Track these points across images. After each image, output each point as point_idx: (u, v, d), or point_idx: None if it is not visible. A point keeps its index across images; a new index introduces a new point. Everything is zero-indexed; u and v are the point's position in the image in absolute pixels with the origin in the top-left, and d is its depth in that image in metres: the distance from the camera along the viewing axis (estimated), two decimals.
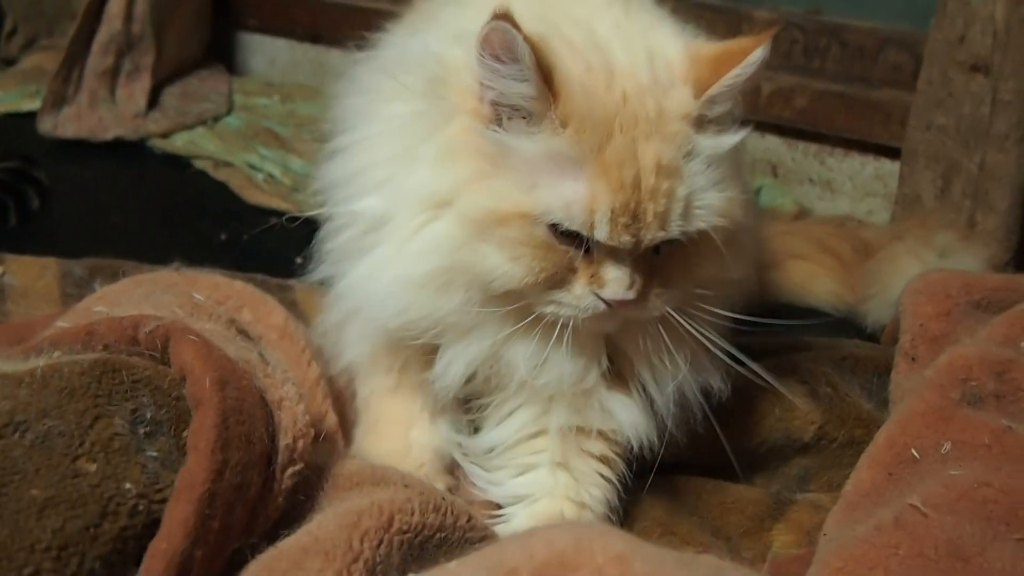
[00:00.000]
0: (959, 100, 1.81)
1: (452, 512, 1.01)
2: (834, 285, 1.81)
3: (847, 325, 1.75)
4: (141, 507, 0.85)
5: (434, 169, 1.08)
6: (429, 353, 1.19)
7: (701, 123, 1.07)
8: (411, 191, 1.09)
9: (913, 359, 1.31)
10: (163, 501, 0.86)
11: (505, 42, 0.98)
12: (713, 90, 1.06)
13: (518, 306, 1.08)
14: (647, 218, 1.03)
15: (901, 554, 0.96)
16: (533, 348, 1.12)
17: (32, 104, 2.51)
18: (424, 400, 1.26)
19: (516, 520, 1.20)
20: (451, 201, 1.06)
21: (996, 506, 0.99)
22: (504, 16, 0.97)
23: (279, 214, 2.04)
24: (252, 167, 2.33)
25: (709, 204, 1.07)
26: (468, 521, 1.03)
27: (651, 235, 1.04)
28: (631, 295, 1.05)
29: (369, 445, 1.27)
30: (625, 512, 1.25)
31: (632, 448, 1.20)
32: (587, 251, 1.05)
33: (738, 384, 1.26)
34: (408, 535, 0.96)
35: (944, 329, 1.32)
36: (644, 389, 1.19)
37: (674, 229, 1.05)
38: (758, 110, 2.16)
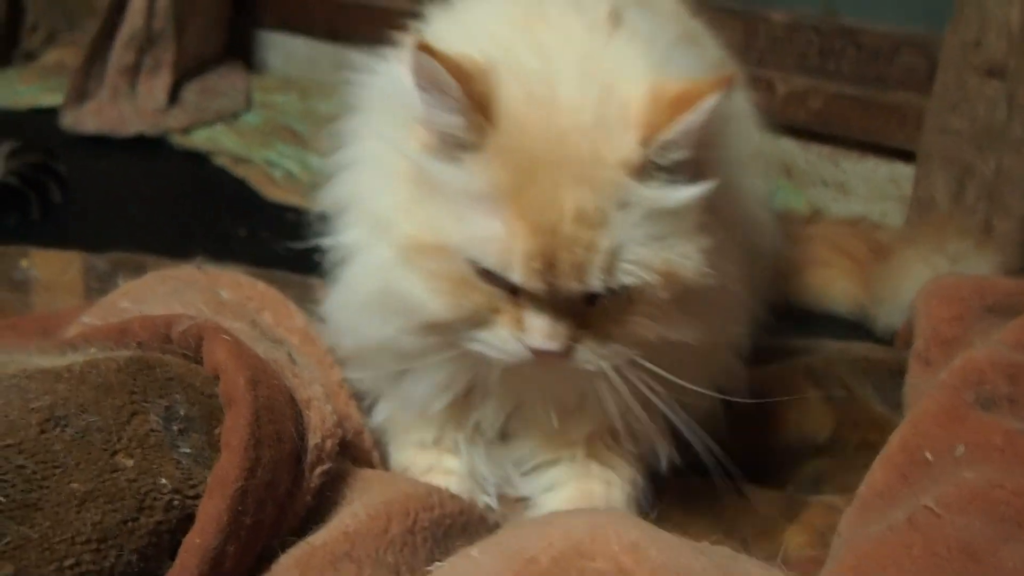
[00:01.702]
0: (974, 104, 1.82)
1: (471, 502, 1.04)
2: (852, 287, 1.82)
3: (859, 329, 1.76)
4: (176, 502, 0.86)
5: (386, 193, 1.05)
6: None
7: (646, 171, 0.98)
8: (370, 215, 1.08)
9: (927, 362, 1.31)
10: (196, 497, 0.87)
11: (429, 73, 0.95)
12: (662, 136, 0.97)
13: (448, 339, 1.05)
14: (562, 267, 0.96)
15: (914, 553, 0.97)
16: (498, 391, 1.12)
17: (53, 99, 2.54)
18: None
19: (547, 507, 1.20)
20: (391, 225, 1.04)
21: (1009, 507, 1.00)
22: (423, 47, 0.94)
23: (297, 210, 2.08)
24: (271, 164, 2.35)
25: (643, 260, 0.98)
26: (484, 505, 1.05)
27: (567, 285, 0.97)
28: (553, 347, 0.99)
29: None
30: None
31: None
32: (514, 293, 1.00)
33: (753, 384, 1.27)
34: (431, 528, 0.98)
35: (957, 333, 1.32)
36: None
37: (594, 283, 0.97)
38: (773, 112, 2.16)
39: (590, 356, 1.02)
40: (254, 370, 0.95)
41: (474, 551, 0.87)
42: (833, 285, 1.81)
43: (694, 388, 1.07)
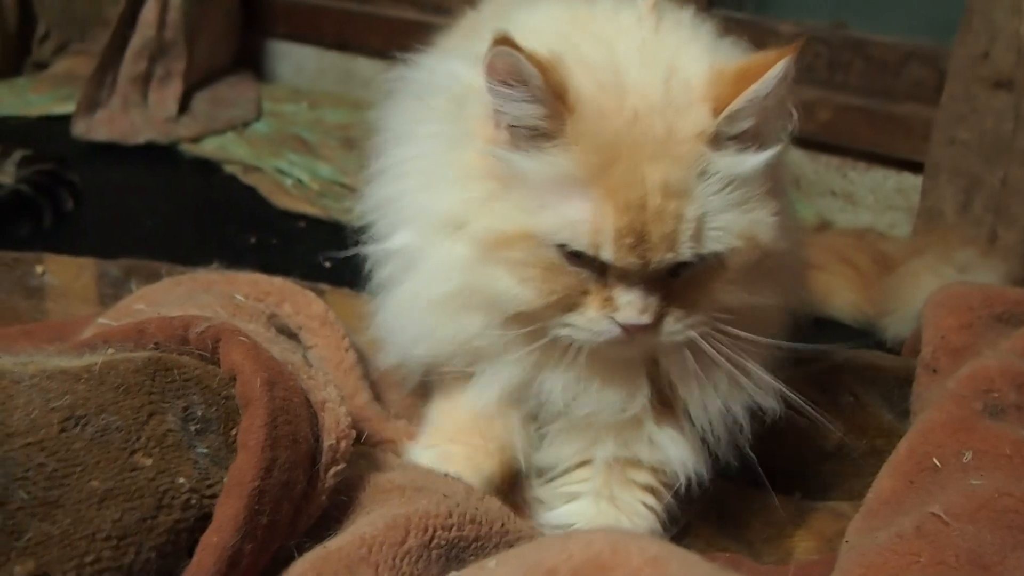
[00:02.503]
0: (982, 115, 1.83)
1: (488, 521, 1.03)
2: (853, 296, 1.82)
3: (868, 338, 1.77)
4: (193, 501, 0.87)
5: (452, 191, 1.08)
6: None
7: (719, 141, 1.04)
8: (434, 215, 1.10)
9: (934, 371, 1.32)
10: (213, 496, 0.88)
11: (509, 66, 0.98)
12: (733, 106, 1.02)
13: (534, 328, 1.07)
14: (653, 240, 1.00)
15: (922, 562, 0.97)
16: (568, 376, 1.11)
17: (65, 107, 2.56)
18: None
19: (565, 515, 1.21)
20: (465, 223, 1.07)
21: (1017, 515, 1.00)
22: (504, 40, 0.97)
23: (307, 218, 2.10)
24: (281, 172, 2.36)
25: (726, 226, 1.03)
26: (503, 526, 1.05)
27: (659, 257, 1.01)
28: (645, 320, 1.03)
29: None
30: None
31: (680, 482, 1.19)
32: (600, 273, 1.04)
33: None
34: (447, 547, 0.99)
35: (965, 341, 1.33)
36: (692, 420, 1.16)
37: (684, 251, 1.02)
38: None
39: (677, 327, 1.06)
40: (270, 372, 0.96)
41: (491, 563, 0.87)
42: (836, 295, 1.81)
43: (776, 343, 1.14)
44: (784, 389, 1.14)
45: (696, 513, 1.28)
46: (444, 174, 1.10)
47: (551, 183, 1.02)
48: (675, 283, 1.06)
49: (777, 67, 1.01)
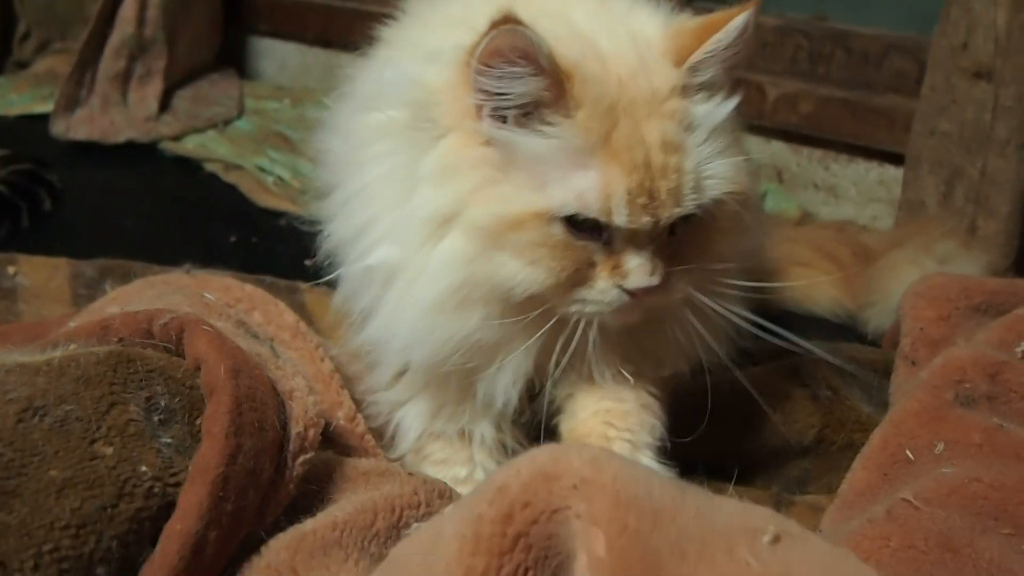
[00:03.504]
0: (962, 106, 1.83)
1: (457, 493, 1.04)
2: (835, 291, 1.82)
3: (848, 331, 1.77)
4: (156, 489, 0.87)
5: (434, 188, 1.06)
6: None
7: (688, 92, 1.07)
8: (414, 221, 1.07)
9: (913, 362, 1.32)
10: (177, 485, 0.88)
11: (517, 43, 0.97)
12: (695, 57, 1.06)
13: (540, 311, 1.07)
14: (661, 196, 1.03)
15: (892, 545, 0.98)
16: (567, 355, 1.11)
17: (45, 107, 2.56)
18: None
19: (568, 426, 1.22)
20: (456, 215, 1.05)
21: (986, 501, 1.01)
22: (511, 19, 0.96)
23: (288, 216, 2.09)
24: (262, 170, 2.36)
25: (717, 173, 1.07)
26: None
27: (668, 213, 1.04)
28: (655, 281, 1.05)
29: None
30: None
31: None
32: (606, 244, 1.05)
33: (740, 388, 1.27)
34: (415, 523, 0.99)
35: (944, 333, 1.33)
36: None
37: (688, 203, 1.05)
38: (763, 115, 2.17)
39: (681, 284, 1.10)
40: (235, 359, 0.95)
41: (448, 508, 0.87)
42: (813, 288, 1.81)
43: (758, 285, 1.16)
44: (771, 325, 1.16)
45: None
46: (417, 178, 1.08)
47: (554, 157, 1.02)
48: (673, 240, 1.08)
49: (737, 19, 1.05)
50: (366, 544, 0.93)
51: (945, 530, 0.98)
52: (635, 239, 1.05)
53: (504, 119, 1.03)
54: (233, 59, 2.98)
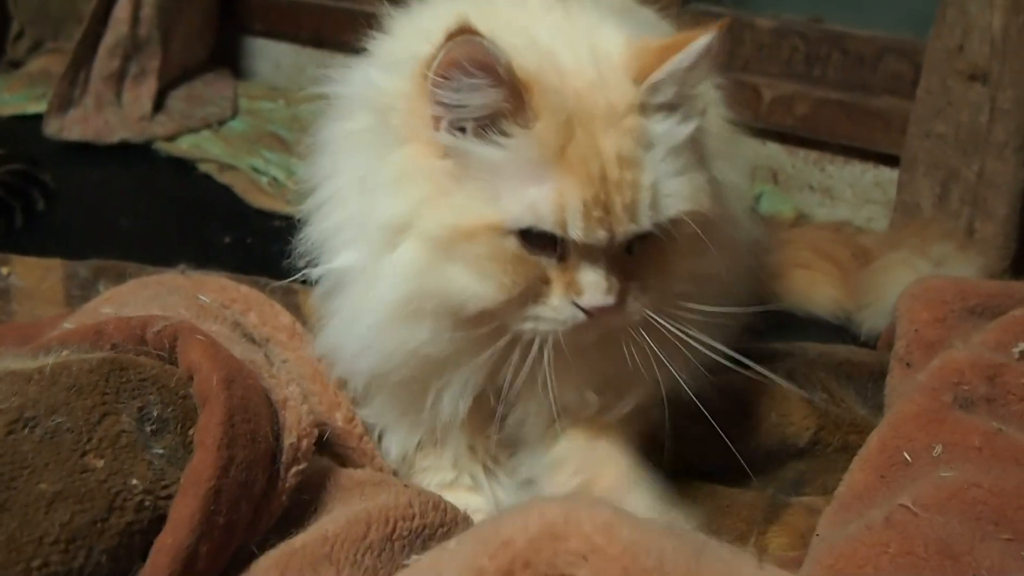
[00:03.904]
0: (958, 108, 1.82)
1: (452, 507, 1.03)
2: (834, 291, 1.81)
3: (843, 332, 1.76)
4: (147, 503, 0.86)
5: (390, 196, 1.05)
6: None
7: (647, 111, 1.06)
8: (372, 226, 1.07)
9: (908, 364, 1.31)
10: (169, 497, 0.87)
11: (474, 54, 0.96)
12: (655, 76, 1.04)
13: (492, 328, 1.06)
14: (617, 210, 1.01)
15: (891, 552, 0.97)
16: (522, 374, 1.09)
17: (38, 107, 2.55)
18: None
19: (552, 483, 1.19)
20: (410, 225, 1.04)
21: (985, 507, 1.00)
22: (467, 29, 0.95)
23: (283, 217, 2.08)
24: (256, 171, 2.35)
25: (675, 192, 1.05)
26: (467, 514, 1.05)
27: (624, 228, 1.02)
28: (611, 300, 1.03)
29: None
30: None
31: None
32: (560, 259, 1.04)
33: (735, 388, 1.27)
34: (410, 537, 0.99)
35: (939, 335, 1.32)
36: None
37: (644, 221, 1.03)
38: (759, 117, 2.17)
39: (637, 305, 1.07)
40: (229, 369, 0.95)
41: (452, 543, 0.87)
42: (814, 289, 1.81)
43: (725, 310, 1.13)
44: (734, 354, 1.15)
45: (668, 512, 1.27)
46: (377, 184, 1.07)
47: (509, 168, 1.01)
48: (631, 260, 1.07)
49: (699, 41, 1.04)
50: (359, 557, 0.92)
51: (944, 536, 0.97)
52: (590, 255, 1.03)
53: (463, 129, 1.02)
54: (227, 59, 2.97)
